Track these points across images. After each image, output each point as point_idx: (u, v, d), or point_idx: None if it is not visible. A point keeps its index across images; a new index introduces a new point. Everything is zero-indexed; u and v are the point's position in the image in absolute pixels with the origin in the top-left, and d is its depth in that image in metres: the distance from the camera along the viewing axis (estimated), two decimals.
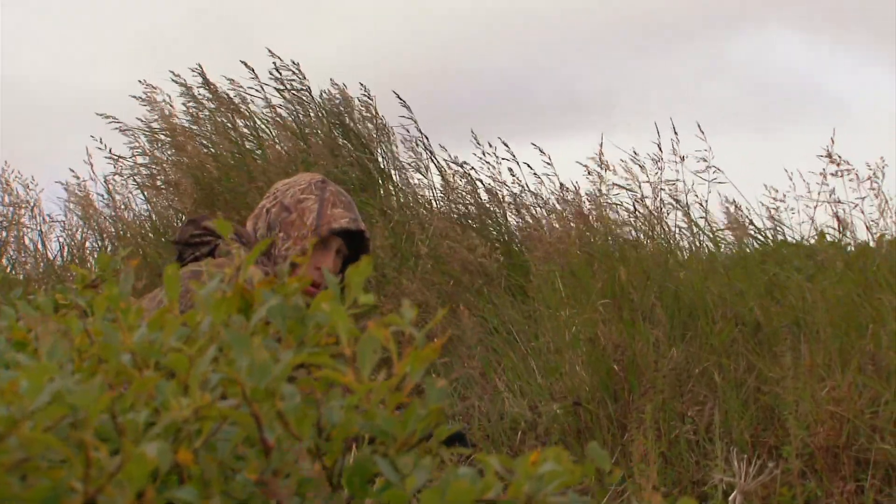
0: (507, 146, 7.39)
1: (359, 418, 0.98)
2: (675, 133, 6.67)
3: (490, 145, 7.48)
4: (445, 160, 7.59)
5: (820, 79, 12.65)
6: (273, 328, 1.05)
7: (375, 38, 12.38)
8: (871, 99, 12.56)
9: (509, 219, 7.32)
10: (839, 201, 6.21)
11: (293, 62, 7.96)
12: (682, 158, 6.58)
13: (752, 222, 6.51)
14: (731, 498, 4.00)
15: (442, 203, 7.48)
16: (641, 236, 6.63)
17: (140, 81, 8.05)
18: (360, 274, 1.08)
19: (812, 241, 6.24)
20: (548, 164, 7.15)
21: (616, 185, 6.78)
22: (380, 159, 7.74)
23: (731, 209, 6.59)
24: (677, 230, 6.66)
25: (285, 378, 0.97)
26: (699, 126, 6.58)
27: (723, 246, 6.59)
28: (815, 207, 6.23)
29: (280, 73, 7.96)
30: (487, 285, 6.57)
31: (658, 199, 6.68)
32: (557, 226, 6.82)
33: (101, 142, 7.90)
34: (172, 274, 1.14)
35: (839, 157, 6.21)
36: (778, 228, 6.47)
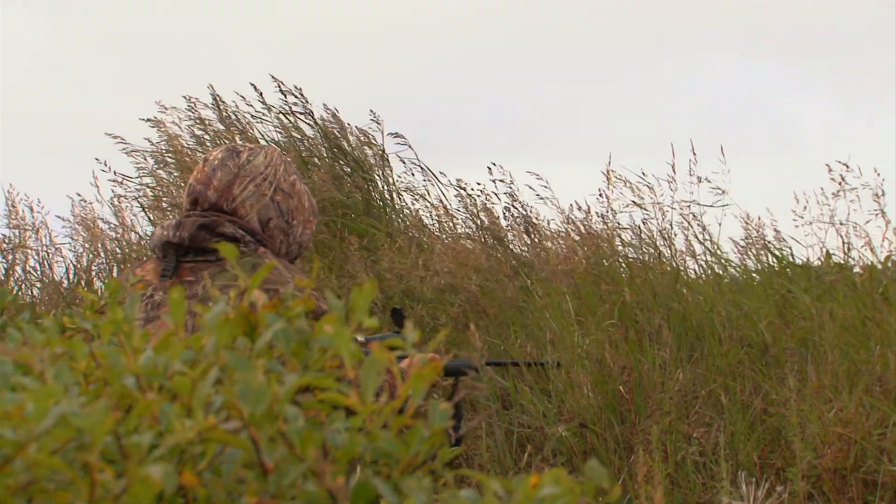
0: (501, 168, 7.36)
1: (362, 440, 0.98)
2: (673, 155, 6.66)
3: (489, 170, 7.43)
4: (446, 183, 7.57)
5: (763, 100, 12.53)
6: (277, 351, 1.05)
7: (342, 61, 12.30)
8: (815, 119, 12.47)
9: (510, 238, 7.30)
10: (842, 223, 6.19)
11: (296, 87, 7.95)
12: (700, 180, 6.55)
13: (766, 244, 6.46)
14: None
15: (447, 228, 7.47)
16: (648, 257, 6.61)
17: (156, 102, 8.07)
18: (366, 296, 1.08)
19: (818, 262, 6.22)
20: (545, 187, 7.10)
21: (634, 202, 6.72)
22: (379, 183, 7.72)
23: (741, 229, 6.58)
24: (685, 250, 6.64)
25: (289, 401, 0.97)
26: (721, 149, 6.56)
27: (729, 267, 6.57)
28: (828, 226, 6.20)
29: (265, 101, 7.94)
30: (494, 307, 6.55)
31: (666, 219, 6.66)
32: (561, 243, 6.79)
33: (105, 164, 7.92)
34: (178, 297, 1.14)
35: (842, 175, 6.20)
36: (785, 249, 6.45)
